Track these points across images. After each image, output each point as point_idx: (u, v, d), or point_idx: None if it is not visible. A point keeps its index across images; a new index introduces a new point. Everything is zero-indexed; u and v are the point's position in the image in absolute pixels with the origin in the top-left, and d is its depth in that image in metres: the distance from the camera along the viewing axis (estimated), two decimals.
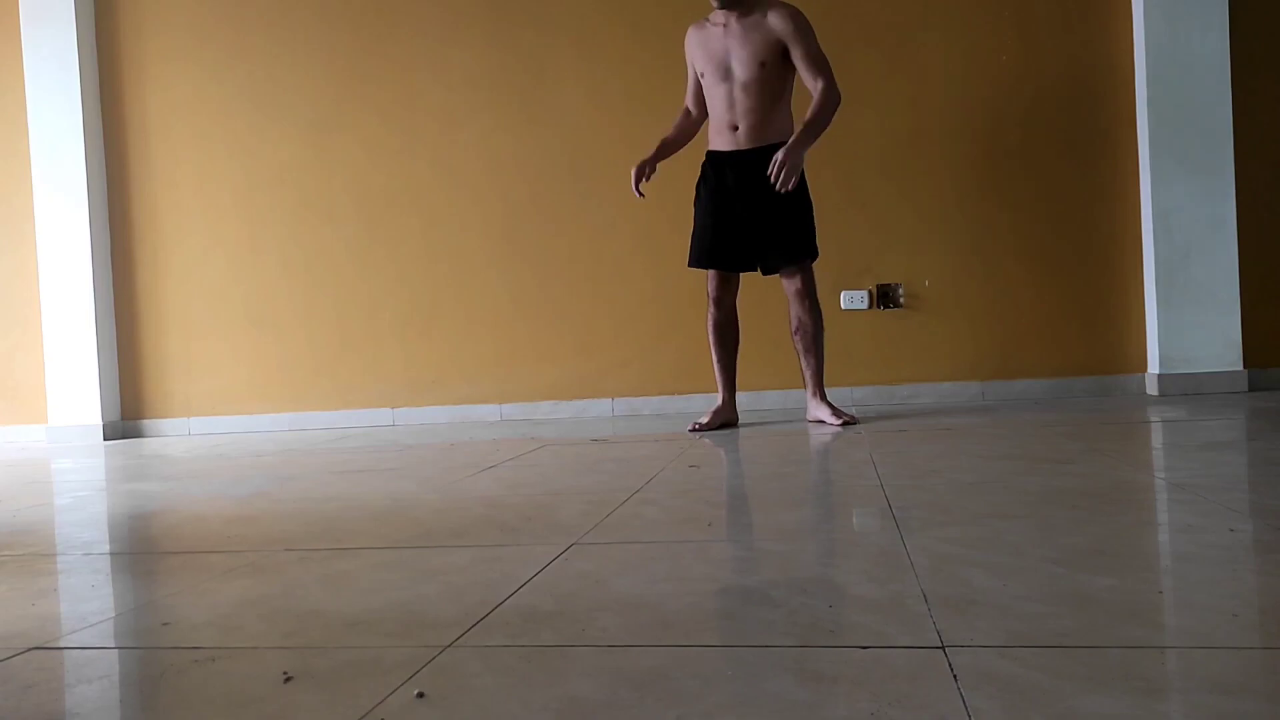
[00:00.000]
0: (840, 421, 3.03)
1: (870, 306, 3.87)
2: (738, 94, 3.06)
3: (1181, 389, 3.63)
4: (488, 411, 4.12)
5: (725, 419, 3.17)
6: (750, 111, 3.04)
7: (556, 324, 4.09)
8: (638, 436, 3.12)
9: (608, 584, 1.22)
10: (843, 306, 3.84)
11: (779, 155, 2.88)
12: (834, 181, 3.89)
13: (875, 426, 3.02)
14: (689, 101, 3.31)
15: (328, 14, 4.23)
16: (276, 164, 4.27)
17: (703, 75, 3.13)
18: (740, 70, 3.03)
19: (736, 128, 3.07)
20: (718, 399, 3.21)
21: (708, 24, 3.12)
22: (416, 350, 4.20)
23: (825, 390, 3.16)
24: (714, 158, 3.14)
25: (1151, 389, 3.72)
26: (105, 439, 4.25)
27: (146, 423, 4.38)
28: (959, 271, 3.85)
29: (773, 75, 3.04)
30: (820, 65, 3.00)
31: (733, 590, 1.15)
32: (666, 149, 3.29)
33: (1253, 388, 3.66)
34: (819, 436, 2.83)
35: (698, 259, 3.14)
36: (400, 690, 0.86)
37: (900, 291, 3.88)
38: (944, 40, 3.85)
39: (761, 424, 3.17)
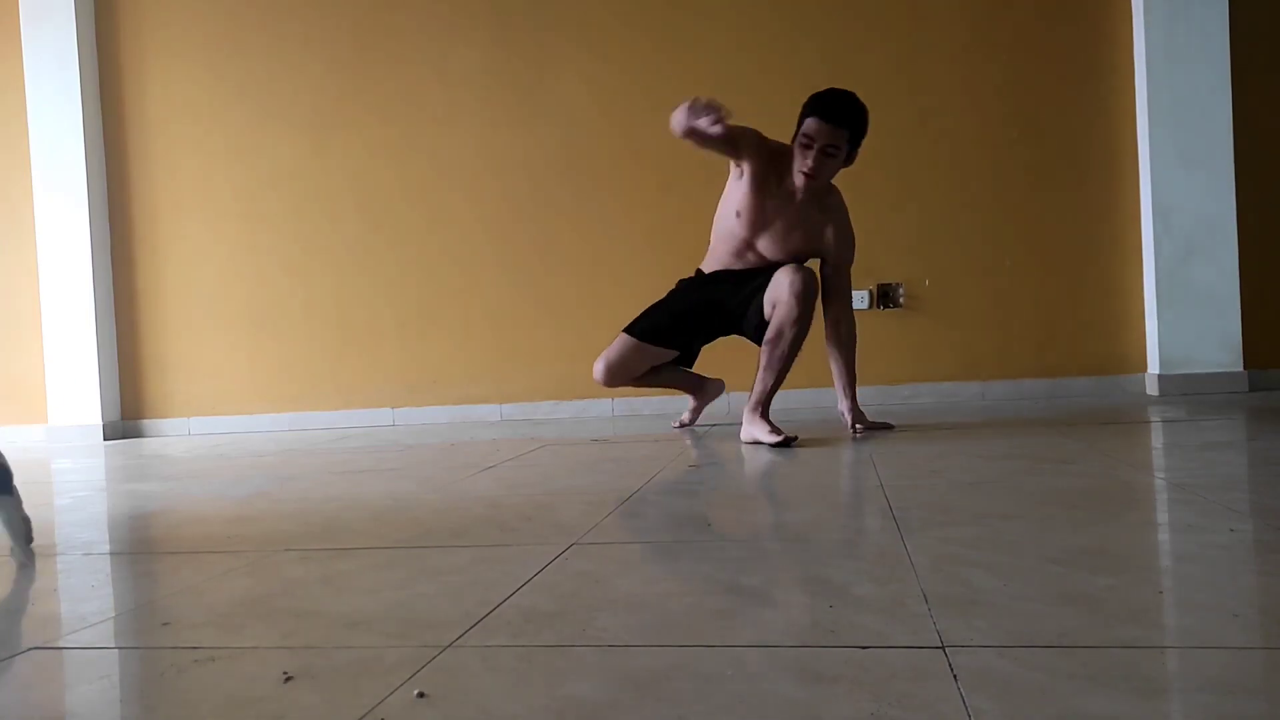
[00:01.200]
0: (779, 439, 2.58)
1: (870, 306, 3.87)
2: (762, 255, 2.80)
3: (1181, 389, 3.62)
4: (488, 411, 4.12)
5: (699, 411, 3.25)
6: (762, 262, 2.81)
7: (557, 323, 4.09)
8: (638, 436, 3.12)
9: (608, 584, 1.22)
10: None
11: (853, 419, 2.78)
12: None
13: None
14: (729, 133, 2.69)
15: (328, 13, 4.23)
16: (276, 163, 4.27)
17: (738, 215, 2.76)
18: (773, 248, 2.77)
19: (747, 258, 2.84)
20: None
21: (786, 165, 2.73)
22: (416, 350, 4.19)
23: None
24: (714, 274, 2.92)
25: (1151, 389, 3.72)
26: (105, 439, 4.25)
27: (146, 423, 4.38)
28: (959, 271, 3.85)
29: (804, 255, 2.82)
30: (847, 289, 2.82)
31: (733, 590, 1.15)
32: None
33: (1253, 388, 3.66)
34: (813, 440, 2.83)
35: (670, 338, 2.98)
36: (400, 690, 0.86)
37: (900, 291, 3.88)
38: (944, 40, 3.85)
39: None
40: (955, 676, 0.82)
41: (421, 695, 0.84)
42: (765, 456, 2.44)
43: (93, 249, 4.30)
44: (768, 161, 2.72)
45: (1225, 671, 0.82)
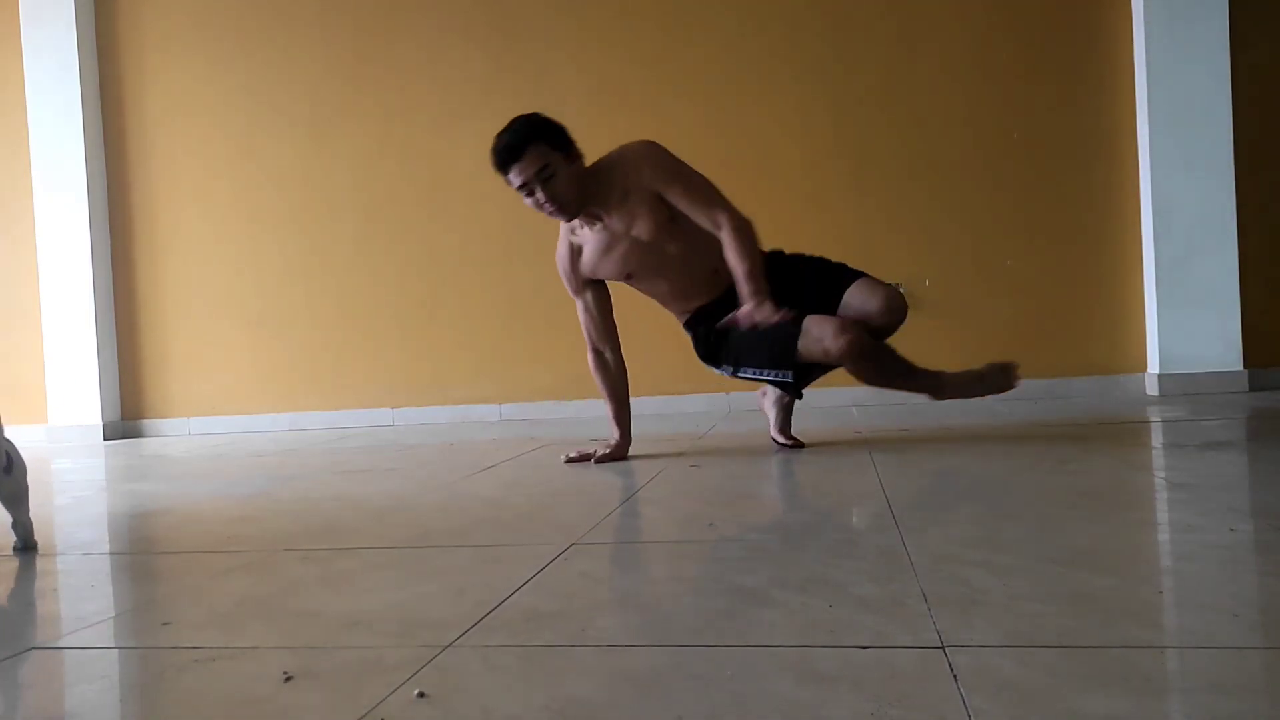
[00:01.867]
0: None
1: None
2: (660, 263, 2.41)
3: (1181, 389, 3.62)
4: (488, 411, 4.12)
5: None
6: (684, 271, 2.42)
7: (556, 323, 4.08)
8: (638, 436, 3.11)
9: (608, 584, 1.22)
10: None
11: (747, 316, 2.24)
12: (835, 181, 3.89)
13: (875, 427, 3.01)
14: (596, 339, 2.54)
15: (328, 13, 4.23)
16: (277, 163, 4.27)
17: (630, 278, 2.47)
18: (645, 236, 2.37)
19: (689, 295, 2.49)
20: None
21: (575, 233, 2.47)
22: (416, 350, 4.19)
23: None
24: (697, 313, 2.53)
25: (1151, 389, 3.72)
26: (105, 439, 4.25)
27: (146, 423, 4.38)
28: (959, 271, 3.85)
29: (677, 223, 2.38)
30: (709, 197, 2.32)
31: (733, 590, 1.15)
32: (623, 407, 2.58)
33: (1253, 388, 3.66)
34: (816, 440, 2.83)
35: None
36: (400, 690, 0.86)
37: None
38: (946, 41, 3.85)
39: (763, 426, 3.16)
40: (955, 676, 0.82)
41: (421, 695, 0.84)
42: (765, 456, 2.43)
43: (93, 249, 4.30)
44: (570, 247, 2.49)
45: (1225, 671, 0.82)
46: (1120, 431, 2.68)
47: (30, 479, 1.70)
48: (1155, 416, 2.97)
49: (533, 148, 2.28)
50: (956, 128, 3.85)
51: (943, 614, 0.99)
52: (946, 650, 0.89)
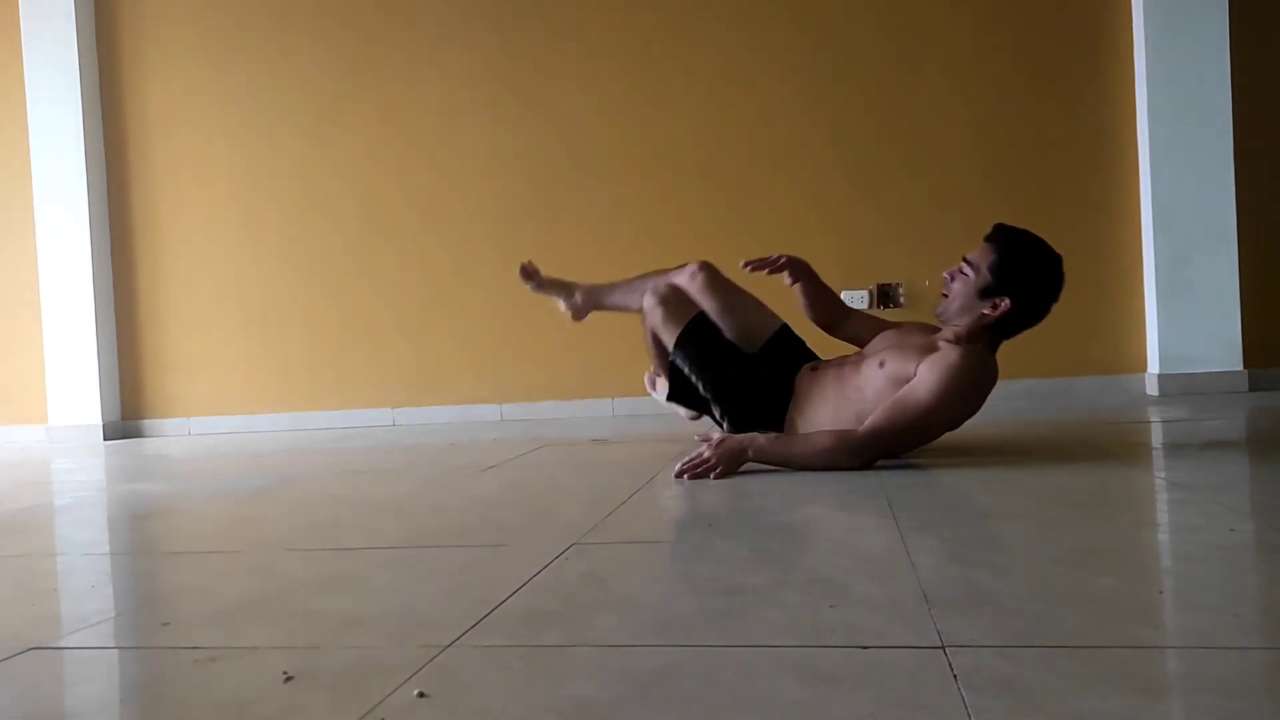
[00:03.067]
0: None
1: (870, 306, 3.86)
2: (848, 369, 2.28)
3: (1181, 389, 3.63)
4: (488, 411, 4.12)
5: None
6: (814, 380, 2.30)
7: (557, 323, 4.07)
8: (638, 436, 3.11)
9: (608, 584, 1.22)
10: None
11: (715, 444, 2.07)
12: (836, 181, 3.89)
13: None
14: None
15: (329, 13, 4.23)
16: (277, 163, 4.27)
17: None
18: (860, 365, 2.25)
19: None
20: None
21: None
22: (416, 350, 4.19)
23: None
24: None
25: (1151, 389, 3.72)
26: (105, 439, 4.25)
27: (146, 423, 4.38)
28: None
29: (878, 382, 2.16)
30: (892, 413, 2.06)
31: (733, 590, 1.15)
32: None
33: (1253, 388, 3.66)
34: None
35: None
36: (400, 690, 0.86)
37: (900, 291, 3.88)
38: (946, 42, 3.85)
39: None
40: (955, 676, 0.82)
41: (421, 695, 0.84)
42: None
43: (93, 249, 4.30)
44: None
45: (1225, 671, 0.82)
46: (1120, 431, 2.68)
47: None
48: (1155, 416, 2.97)
49: (993, 251, 2.17)
50: (956, 128, 3.85)
51: (943, 614, 0.99)
52: (946, 650, 0.89)
